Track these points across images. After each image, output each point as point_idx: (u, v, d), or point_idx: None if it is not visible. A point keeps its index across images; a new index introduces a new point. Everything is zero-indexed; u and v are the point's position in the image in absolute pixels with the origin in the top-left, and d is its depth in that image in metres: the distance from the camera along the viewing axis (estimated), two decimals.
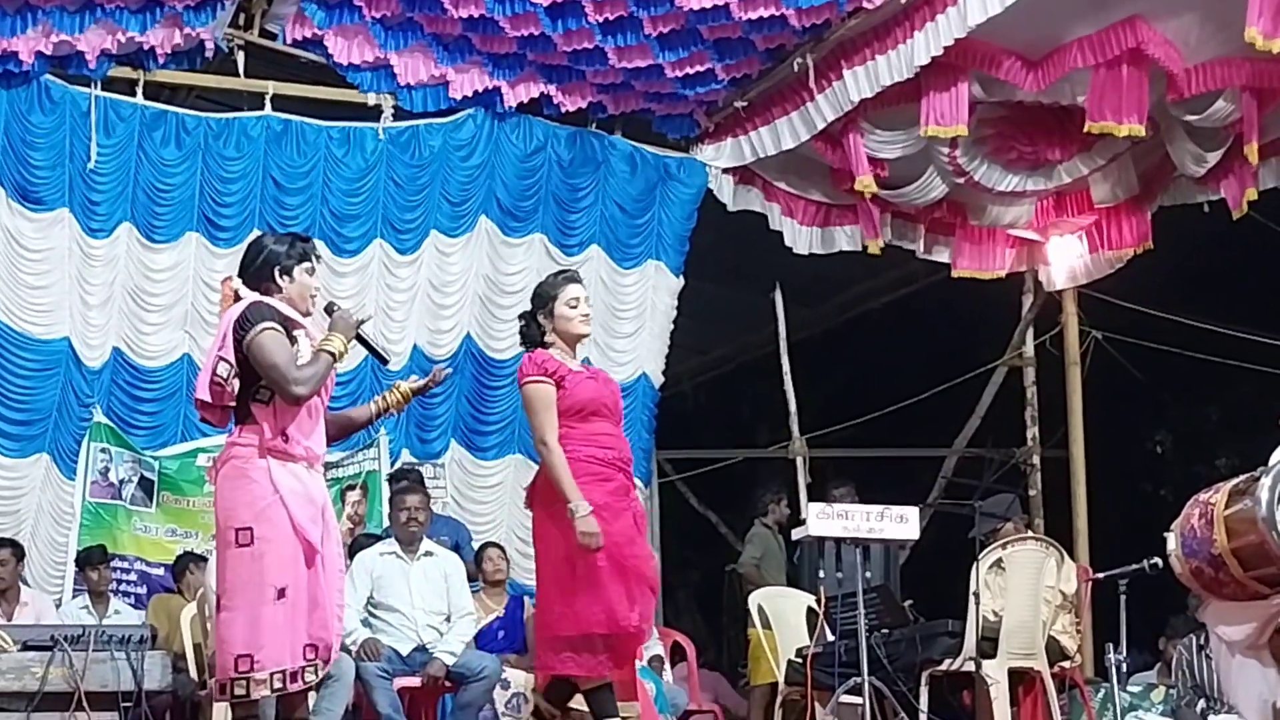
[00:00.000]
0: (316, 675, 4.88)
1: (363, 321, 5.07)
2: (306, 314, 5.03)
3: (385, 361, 5.42)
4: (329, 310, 5.08)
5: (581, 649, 5.42)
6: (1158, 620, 8.87)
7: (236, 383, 4.88)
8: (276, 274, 4.97)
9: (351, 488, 9.07)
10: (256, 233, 8.86)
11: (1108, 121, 8.29)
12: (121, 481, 8.70)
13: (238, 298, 4.98)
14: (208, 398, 4.90)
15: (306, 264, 5.00)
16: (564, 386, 5.48)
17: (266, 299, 4.94)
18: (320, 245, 8.74)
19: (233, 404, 4.93)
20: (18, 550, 8.01)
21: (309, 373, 4.81)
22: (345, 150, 9.22)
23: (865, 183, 9.10)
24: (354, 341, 5.05)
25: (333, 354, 4.88)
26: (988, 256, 10.42)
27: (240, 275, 5.03)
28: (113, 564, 8.43)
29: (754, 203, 10.08)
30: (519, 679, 7.49)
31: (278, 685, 4.79)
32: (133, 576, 8.64)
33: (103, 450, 8.65)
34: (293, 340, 4.88)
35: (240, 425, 4.94)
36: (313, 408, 4.94)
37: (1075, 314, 10.80)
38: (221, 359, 4.86)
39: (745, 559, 9.74)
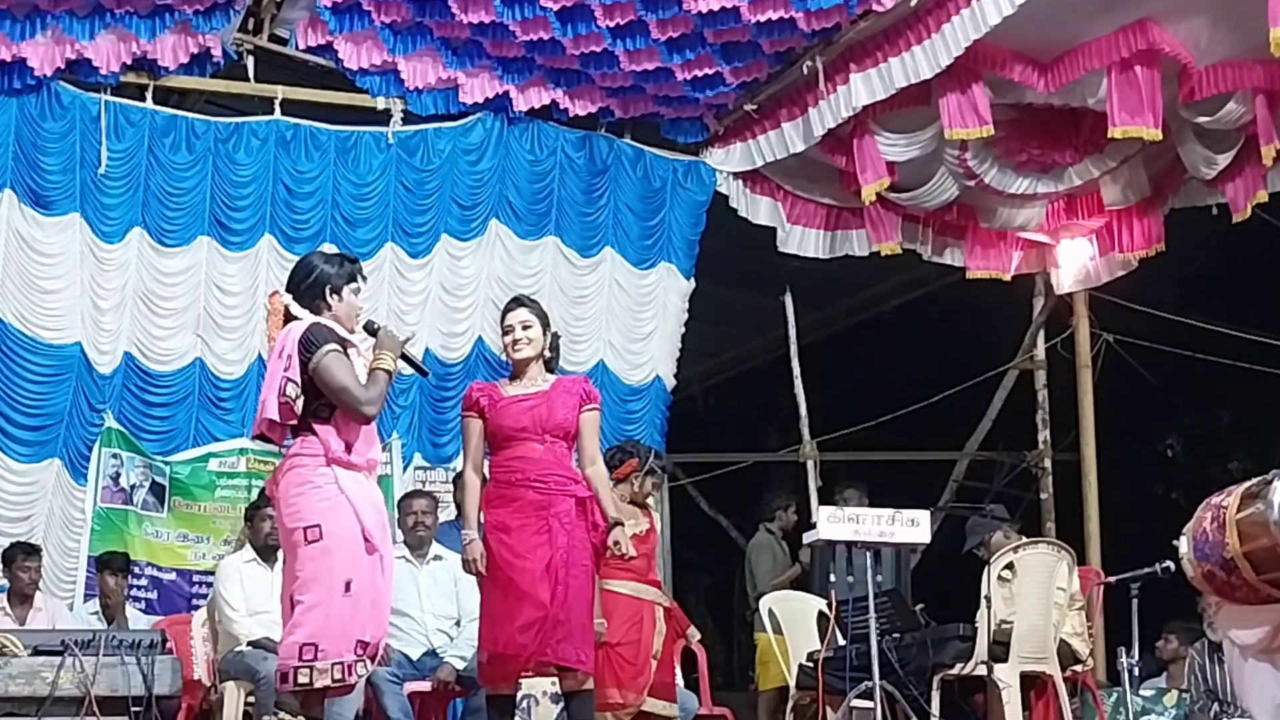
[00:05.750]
0: (366, 670, 5.06)
1: (407, 340, 5.33)
2: (351, 332, 5.24)
3: (425, 375, 5.76)
4: (369, 329, 5.29)
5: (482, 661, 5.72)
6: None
7: (301, 402, 5.06)
8: (327, 293, 5.20)
9: None
10: (268, 238, 9.00)
11: (1130, 125, 8.27)
12: (133, 486, 8.70)
13: (289, 314, 5.17)
14: (278, 417, 5.06)
15: (354, 284, 5.25)
16: (486, 415, 5.73)
17: (321, 319, 5.14)
18: (330, 249, 8.92)
19: (295, 421, 5.10)
20: (41, 555, 8.04)
21: (375, 392, 5.08)
22: (355, 154, 9.23)
23: (874, 189, 9.08)
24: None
25: (389, 372, 5.13)
26: (999, 259, 10.41)
27: (290, 292, 5.23)
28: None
29: (761, 210, 10.07)
30: (530, 682, 7.48)
31: (337, 676, 4.94)
32: (144, 582, 8.64)
33: (114, 455, 8.64)
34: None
35: (300, 437, 5.11)
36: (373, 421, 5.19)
37: (1086, 317, 10.78)
38: (290, 380, 5.05)
39: (762, 578, 9.74)
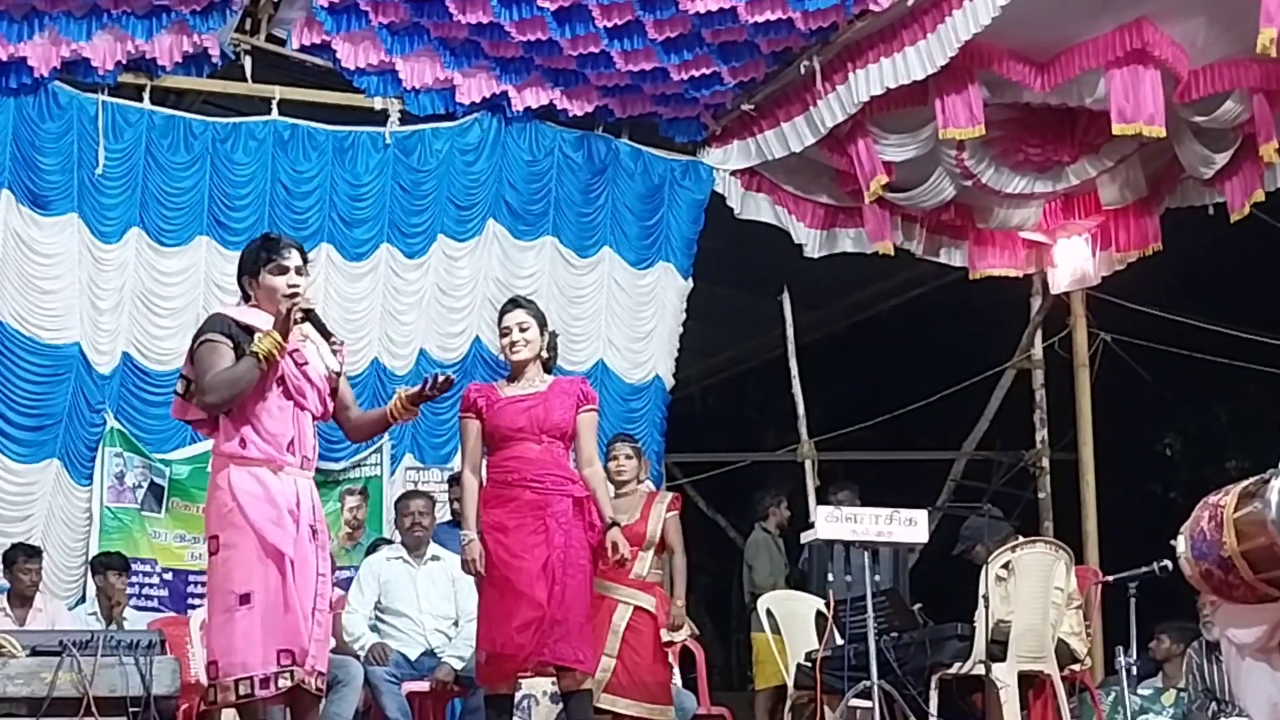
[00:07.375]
0: (291, 681, 4.85)
1: (291, 311, 4.86)
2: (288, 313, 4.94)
3: (328, 336, 5.13)
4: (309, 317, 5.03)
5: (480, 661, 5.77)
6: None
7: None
8: (247, 282, 5.01)
9: (351, 492, 9.09)
10: None
11: (1130, 124, 8.27)
12: (134, 486, 8.70)
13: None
14: (171, 412, 5.13)
15: (270, 265, 4.94)
16: (484, 416, 5.76)
17: (226, 310, 5.05)
18: (329, 249, 8.97)
19: (201, 416, 5.01)
20: (42, 557, 8.03)
21: (220, 379, 4.81)
22: (352, 155, 9.24)
23: (878, 184, 9.08)
24: (309, 326, 4.98)
25: (256, 354, 4.82)
26: (1006, 257, 10.41)
27: None
28: (136, 568, 8.38)
29: (760, 208, 10.08)
30: (530, 681, 7.48)
31: (244, 692, 4.80)
32: (155, 580, 8.63)
33: (117, 455, 8.65)
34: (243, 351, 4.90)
35: (216, 435, 5.02)
36: (281, 409, 4.93)
37: (1084, 316, 10.80)
38: (182, 375, 5.01)
39: (760, 577, 9.73)
